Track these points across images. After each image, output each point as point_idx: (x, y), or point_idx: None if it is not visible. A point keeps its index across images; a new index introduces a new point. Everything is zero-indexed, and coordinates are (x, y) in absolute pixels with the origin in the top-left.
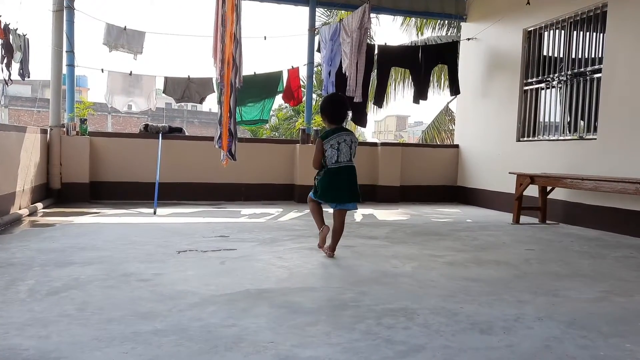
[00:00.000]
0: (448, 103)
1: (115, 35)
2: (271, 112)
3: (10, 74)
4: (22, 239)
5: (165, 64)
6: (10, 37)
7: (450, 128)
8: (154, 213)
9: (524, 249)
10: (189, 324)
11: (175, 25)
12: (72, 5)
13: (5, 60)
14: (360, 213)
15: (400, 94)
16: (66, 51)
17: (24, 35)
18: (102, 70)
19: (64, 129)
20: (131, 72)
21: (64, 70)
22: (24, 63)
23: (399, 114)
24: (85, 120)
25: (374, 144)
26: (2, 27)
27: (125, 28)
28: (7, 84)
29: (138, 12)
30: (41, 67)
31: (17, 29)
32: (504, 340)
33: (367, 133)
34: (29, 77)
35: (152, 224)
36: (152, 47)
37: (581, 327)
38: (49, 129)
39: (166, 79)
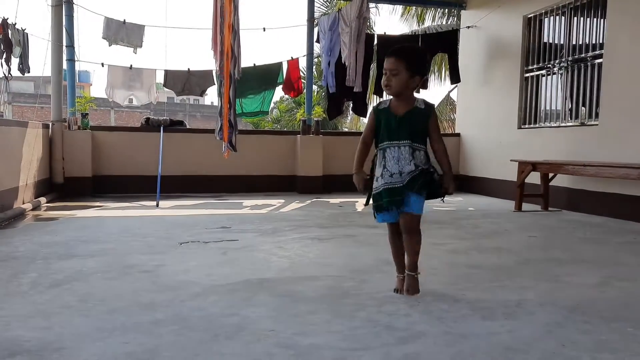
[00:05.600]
0: (449, 92)
1: (114, 29)
2: (272, 104)
3: (9, 69)
4: (25, 232)
5: (166, 57)
6: (9, 31)
7: (452, 117)
8: (157, 206)
9: (526, 235)
10: (190, 313)
11: (174, 17)
12: None
13: (4, 55)
14: (361, 202)
15: None
16: (66, 46)
17: (23, 30)
18: (102, 64)
19: (66, 124)
20: (131, 65)
21: (65, 65)
22: (24, 58)
23: None
24: (87, 114)
25: None
26: (0, 22)
27: (124, 22)
28: (7, 79)
29: (137, 5)
30: (42, 62)
31: (15, 23)
32: (506, 325)
33: None
34: (29, 72)
35: (154, 216)
36: (152, 40)
37: (583, 312)
38: (50, 124)
39: (166, 72)
